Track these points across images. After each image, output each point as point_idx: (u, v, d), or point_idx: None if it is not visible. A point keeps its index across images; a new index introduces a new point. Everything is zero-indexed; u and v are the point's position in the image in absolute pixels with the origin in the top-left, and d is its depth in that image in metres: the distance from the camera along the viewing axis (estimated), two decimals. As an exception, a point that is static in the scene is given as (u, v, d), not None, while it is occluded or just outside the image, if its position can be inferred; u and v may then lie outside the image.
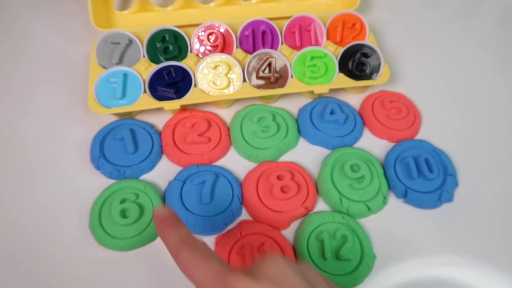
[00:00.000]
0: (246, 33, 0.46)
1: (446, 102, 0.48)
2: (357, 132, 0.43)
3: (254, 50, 0.45)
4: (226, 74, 0.43)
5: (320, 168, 0.41)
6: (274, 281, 0.22)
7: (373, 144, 0.44)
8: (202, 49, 0.45)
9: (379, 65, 0.45)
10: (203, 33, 0.45)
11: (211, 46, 0.45)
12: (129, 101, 0.41)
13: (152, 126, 0.42)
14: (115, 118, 0.43)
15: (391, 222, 0.39)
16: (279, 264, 0.23)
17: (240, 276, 0.21)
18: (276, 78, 0.43)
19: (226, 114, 0.45)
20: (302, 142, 0.44)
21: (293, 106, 0.46)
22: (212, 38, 0.45)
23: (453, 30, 0.55)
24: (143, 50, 0.44)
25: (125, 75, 0.42)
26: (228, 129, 0.43)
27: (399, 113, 0.44)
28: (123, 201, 0.36)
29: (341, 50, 0.46)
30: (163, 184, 0.39)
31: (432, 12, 0.57)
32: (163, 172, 0.40)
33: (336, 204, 0.38)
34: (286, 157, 0.42)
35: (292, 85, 0.43)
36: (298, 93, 0.47)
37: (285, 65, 0.44)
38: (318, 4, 0.53)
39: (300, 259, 0.35)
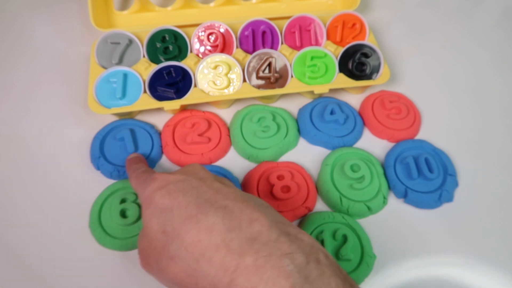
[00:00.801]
0: (246, 33, 0.46)
1: (446, 102, 0.48)
2: (357, 132, 0.43)
3: (254, 50, 0.45)
4: (226, 74, 0.43)
5: (320, 168, 0.41)
6: (184, 172, 0.28)
7: (373, 144, 0.44)
8: (202, 49, 0.45)
9: (379, 65, 0.45)
10: (203, 33, 0.45)
11: (211, 46, 0.45)
12: (129, 101, 0.41)
13: (152, 126, 0.42)
14: (115, 118, 0.43)
15: (391, 222, 0.39)
16: (194, 165, 0.30)
17: (158, 174, 0.28)
18: (276, 78, 0.43)
19: (226, 114, 0.45)
20: (302, 142, 0.44)
21: (293, 106, 0.46)
22: (212, 38, 0.45)
23: (453, 30, 0.55)
24: (143, 50, 0.44)
25: (125, 75, 0.42)
26: (228, 129, 0.43)
27: (399, 113, 0.44)
28: (123, 201, 0.36)
29: (341, 50, 0.46)
30: (163, 184, 0.39)
31: (432, 12, 0.57)
32: (163, 172, 0.40)
33: (336, 204, 0.38)
34: (286, 157, 0.42)
35: (292, 85, 0.43)
36: (298, 93, 0.47)
37: (285, 65, 0.44)
38: (318, 4, 0.53)
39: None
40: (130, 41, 0.44)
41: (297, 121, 0.44)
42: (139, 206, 0.36)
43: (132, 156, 0.37)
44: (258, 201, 0.26)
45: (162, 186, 0.26)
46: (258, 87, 0.43)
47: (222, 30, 0.45)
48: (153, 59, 0.44)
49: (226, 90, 0.43)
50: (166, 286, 0.26)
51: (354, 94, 0.48)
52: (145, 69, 0.42)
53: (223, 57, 0.43)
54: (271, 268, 0.21)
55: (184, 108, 0.44)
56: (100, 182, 0.38)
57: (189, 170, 0.29)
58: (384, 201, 0.39)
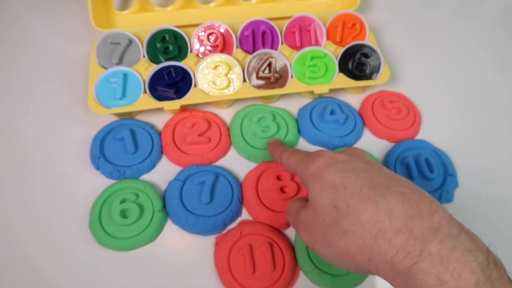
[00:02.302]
0: (246, 33, 0.46)
1: (446, 102, 0.48)
2: (357, 132, 0.43)
3: (254, 50, 0.45)
4: (226, 74, 0.43)
5: (320, 168, 0.41)
6: (350, 154, 0.29)
7: (373, 144, 0.44)
8: (202, 49, 0.45)
9: (379, 65, 0.45)
10: (203, 33, 0.45)
11: (211, 46, 0.45)
12: (129, 101, 0.41)
13: (152, 126, 0.42)
14: (115, 118, 0.43)
15: (391, 222, 0.39)
16: (357, 149, 0.31)
17: (323, 151, 0.29)
18: (276, 78, 0.43)
19: (226, 114, 0.45)
20: (302, 142, 0.44)
21: (293, 106, 0.46)
22: (212, 38, 0.45)
23: (453, 30, 0.55)
24: (143, 50, 0.44)
25: (125, 75, 0.42)
26: (228, 129, 0.43)
27: (399, 113, 0.44)
28: (123, 201, 0.36)
29: (341, 50, 0.46)
30: (163, 184, 0.39)
31: (432, 12, 0.57)
32: (163, 172, 0.40)
33: (336, 204, 0.38)
34: (286, 157, 0.42)
35: (292, 85, 0.43)
36: (298, 93, 0.47)
37: (285, 65, 0.44)
38: (318, 4, 0.53)
39: (299, 259, 0.35)
40: (130, 41, 0.44)
41: (297, 121, 0.44)
42: (139, 206, 0.36)
43: (273, 140, 0.38)
44: (430, 195, 0.26)
45: (331, 163, 0.27)
46: (258, 87, 0.43)
47: (222, 30, 0.45)
48: (153, 59, 0.44)
49: (226, 90, 0.43)
50: (330, 258, 0.26)
51: (354, 94, 0.48)
52: (145, 69, 0.42)
53: (223, 57, 0.43)
54: (456, 260, 0.21)
55: (184, 108, 0.44)
56: (100, 182, 0.38)
57: (353, 153, 0.30)
58: (384, 201, 0.39)
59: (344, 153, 0.29)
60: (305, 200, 0.29)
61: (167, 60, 0.43)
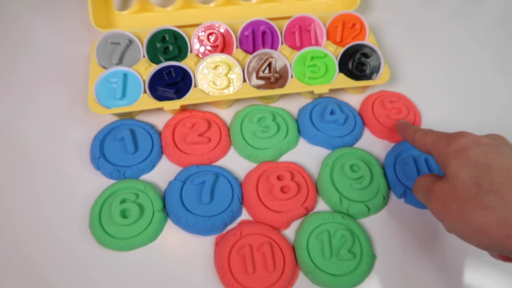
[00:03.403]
0: (246, 33, 0.46)
1: (446, 102, 0.48)
2: (357, 132, 0.43)
3: (254, 50, 0.45)
4: (226, 74, 0.43)
5: (320, 168, 0.41)
6: (493, 138, 0.30)
7: (373, 144, 0.44)
8: (202, 49, 0.45)
9: (379, 65, 0.45)
10: (203, 33, 0.45)
11: (211, 46, 0.45)
12: (129, 101, 0.41)
13: (152, 126, 0.42)
14: (115, 118, 0.43)
15: (391, 222, 0.39)
16: (499, 135, 0.31)
17: (466, 132, 0.30)
18: (276, 78, 0.43)
19: (226, 114, 0.45)
20: (302, 142, 0.44)
21: (293, 106, 0.46)
22: (212, 38, 0.45)
23: (453, 30, 0.55)
24: (143, 50, 0.44)
25: (125, 75, 0.42)
26: (228, 129, 0.43)
27: (399, 113, 0.44)
28: (123, 201, 0.36)
29: (341, 50, 0.46)
30: (163, 184, 0.39)
31: (432, 12, 0.57)
32: (163, 172, 0.40)
33: (336, 204, 0.38)
34: (286, 157, 0.42)
35: (292, 85, 0.43)
36: (298, 93, 0.47)
37: (285, 65, 0.44)
38: (318, 4, 0.53)
39: (299, 259, 0.35)
40: (130, 41, 0.44)
41: (297, 121, 0.44)
42: (139, 206, 0.36)
43: (403, 121, 0.40)
44: None
45: (475, 144, 0.28)
46: (258, 87, 0.43)
47: (222, 30, 0.45)
48: (153, 59, 0.44)
49: (226, 90, 0.43)
50: (461, 231, 0.27)
51: (354, 94, 0.48)
52: (145, 69, 0.42)
53: (223, 57, 0.43)
54: None
55: (184, 108, 0.44)
56: (100, 182, 0.38)
57: (497, 138, 0.30)
58: (384, 201, 0.39)
59: (487, 137, 0.30)
60: (437, 176, 0.31)
61: (167, 60, 0.43)
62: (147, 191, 0.38)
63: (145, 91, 0.41)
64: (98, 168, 0.39)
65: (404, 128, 0.37)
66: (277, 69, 0.44)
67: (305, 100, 0.46)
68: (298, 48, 0.46)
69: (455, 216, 0.27)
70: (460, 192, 0.27)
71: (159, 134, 0.42)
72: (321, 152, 0.43)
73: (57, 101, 0.44)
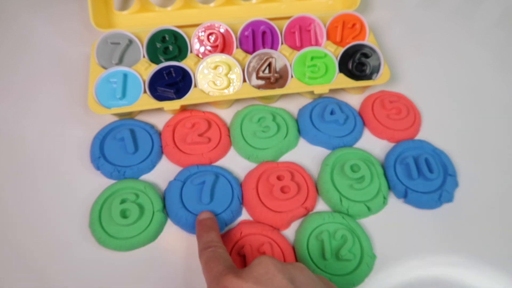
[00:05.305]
0: (246, 33, 0.46)
1: (446, 102, 0.48)
2: (357, 132, 0.43)
3: (254, 50, 0.45)
4: (226, 74, 0.43)
5: (320, 168, 0.41)
6: (258, 280, 0.26)
7: (373, 144, 0.44)
8: (202, 49, 0.45)
9: (379, 65, 0.45)
10: (203, 33, 0.45)
11: (211, 46, 0.45)
12: (129, 101, 0.41)
13: (152, 126, 0.42)
14: (115, 118, 0.43)
15: (391, 222, 0.39)
16: (266, 264, 0.27)
17: (230, 277, 0.27)
18: (276, 78, 0.43)
19: (226, 114, 0.45)
20: (302, 142, 0.44)
21: (293, 106, 0.46)
22: (212, 38, 0.45)
23: (453, 30, 0.55)
24: (143, 50, 0.44)
25: (125, 75, 0.42)
26: (228, 129, 0.43)
27: (399, 113, 0.44)
28: (123, 201, 0.36)
29: (341, 50, 0.46)
30: (163, 184, 0.39)
31: (432, 12, 0.57)
32: (163, 172, 0.40)
33: (336, 204, 0.38)
34: (286, 157, 0.42)
35: (292, 85, 0.43)
36: (298, 93, 0.47)
37: (285, 65, 0.44)
38: (318, 4, 0.53)
39: (299, 259, 0.35)
40: (130, 41, 0.44)
41: (297, 121, 0.44)
42: (139, 206, 0.36)
43: (203, 217, 0.35)
44: None
45: None
46: (258, 87, 0.43)
47: (222, 30, 0.45)
48: (153, 59, 0.44)
49: (226, 90, 0.43)
50: None
51: (354, 94, 0.48)
52: (145, 69, 0.42)
53: (223, 57, 0.43)
54: None
55: (184, 108, 0.44)
56: (100, 182, 0.38)
57: (262, 275, 0.26)
58: (384, 201, 0.39)
59: (252, 281, 0.26)
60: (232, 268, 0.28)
61: (167, 60, 0.43)
62: (147, 191, 0.38)
63: (145, 91, 0.41)
64: (98, 168, 0.39)
65: (197, 235, 0.33)
66: (277, 69, 0.44)
67: (305, 100, 0.46)
68: (298, 48, 0.46)
69: None
70: None
71: (159, 134, 0.42)
72: (321, 152, 0.43)
73: (57, 101, 0.44)
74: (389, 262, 0.36)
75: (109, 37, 0.44)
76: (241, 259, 0.34)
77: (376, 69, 0.45)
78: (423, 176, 0.39)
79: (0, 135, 0.41)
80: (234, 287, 0.26)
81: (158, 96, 0.41)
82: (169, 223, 0.37)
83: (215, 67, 0.43)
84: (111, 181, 0.39)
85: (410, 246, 0.37)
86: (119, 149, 0.40)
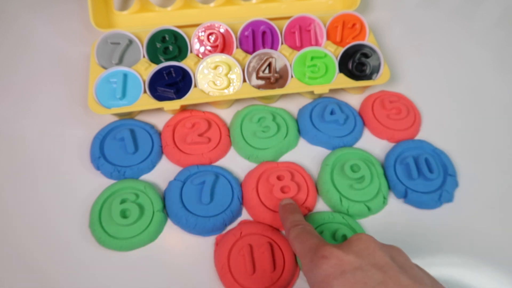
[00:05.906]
0: (246, 33, 0.46)
1: (446, 102, 0.48)
2: (357, 132, 0.43)
3: (254, 50, 0.45)
4: (226, 74, 0.43)
5: (320, 168, 0.41)
6: (359, 254, 0.26)
7: (373, 144, 0.44)
8: (202, 49, 0.45)
9: (379, 65, 0.45)
10: (203, 33, 0.45)
11: (211, 46, 0.45)
12: (129, 101, 0.41)
13: (152, 126, 0.42)
14: (115, 118, 0.43)
15: (391, 222, 0.39)
16: (366, 240, 0.27)
17: (329, 247, 0.27)
18: (276, 78, 0.43)
19: (226, 114, 0.45)
20: (302, 142, 0.44)
21: (293, 106, 0.46)
22: (212, 38, 0.45)
23: (453, 30, 0.55)
24: (143, 50, 0.44)
25: (125, 75, 0.42)
26: (228, 129, 0.43)
27: (399, 113, 0.44)
28: (123, 201, 0.36)
29: (341, 50, 0.46)
30: (163, 184, 0.39)
31: (432, 12, 0.57)
32: (163, 172, 0.40)
33: (336, 204, 0.38)
34: (286, 157, 0.42)
35: (292, 85, 0.43)
36: (298, 93, 0.47)
37: (285, 65, 0.44)
38: (318, 4, 0.53)
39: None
40: (130, 41, 0.44)
41: (297, 121, 0.44)
42: (139, 206, 0.36)
43: (286, 202, 0.35)
44: None
45: (338, 272, 0.25)
46: (258, 87, 0.43)
47: (222, 30, 0.45)
48: (153, 59, 0.44)
49: (226, 90, 0.43)
50: None
51: (354, 94, 0.48)
52: (145, 69, 0.42)
53: (223, 57, 0.43)
54: None
55: (184, 108, 0.44)
56: (100, 182, 0.38)
57: (362, 250, 0.27)
58: (384, 201, 0.39)
59: (352, 252, 0.26)
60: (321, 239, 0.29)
61: (167, 60, 0.43)
62: (147, 191, 0.38)
63: (145, 91, 0.41)
64: (98, 168, 0.39)
65: (282, 217, 0.34)
66: (277, 69, 0.44)
67: (305, 100, 0.46)
68: (298, 48, 0.46)
69: None
70: None
71: (159, 134, 0.42)
72: (321, 152, 0.43)
73: (57, 101, 0.44)
74: (389, 262, 0.36)
75: (109, 37, 0.44)
76: (241, 259, 0.34)
77: (376, 69, 0.45)
78: (423, 176, 0.39)
79: (0, 135, 0.41)
80: (335, 256, 0.26)
81: (158, 96, 0.41)
82: (169, 223, 0.37)
83: (215, 67, 0.43)
84: (111, 181, 0.39)
85: (410, 246, 0.37)
86: (119, 149, 0.40)
